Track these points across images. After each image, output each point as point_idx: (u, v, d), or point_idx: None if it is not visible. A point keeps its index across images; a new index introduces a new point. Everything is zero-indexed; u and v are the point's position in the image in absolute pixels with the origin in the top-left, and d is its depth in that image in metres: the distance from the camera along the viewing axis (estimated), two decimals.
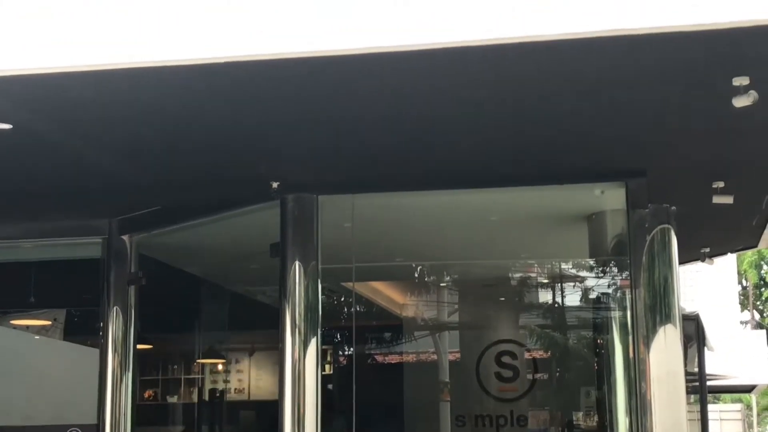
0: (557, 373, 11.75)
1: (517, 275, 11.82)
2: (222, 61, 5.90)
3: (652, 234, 8.61)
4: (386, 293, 13.46)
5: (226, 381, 15.77)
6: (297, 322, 8.81)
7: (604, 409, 9.73)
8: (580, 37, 5.55)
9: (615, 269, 9.73)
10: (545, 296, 12.34)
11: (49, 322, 10.83)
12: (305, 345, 8.73)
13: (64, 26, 5.93)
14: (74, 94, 6.50)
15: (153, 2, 5.87)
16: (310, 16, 5.75)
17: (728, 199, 8.94)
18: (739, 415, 33.20)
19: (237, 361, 15.92)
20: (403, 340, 14.11)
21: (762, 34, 5.48)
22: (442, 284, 12.60)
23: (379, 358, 14.55)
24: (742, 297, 40.48)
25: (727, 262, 33.46)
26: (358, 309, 11.91)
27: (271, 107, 6.88)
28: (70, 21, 5.93)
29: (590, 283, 10.97)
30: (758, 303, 41.64)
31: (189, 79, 6.25)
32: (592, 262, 10.40)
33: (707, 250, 12.33)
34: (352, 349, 13.14)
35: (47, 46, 5.93)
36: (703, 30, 5.46)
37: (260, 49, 5.82)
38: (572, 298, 11.84)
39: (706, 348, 14.75)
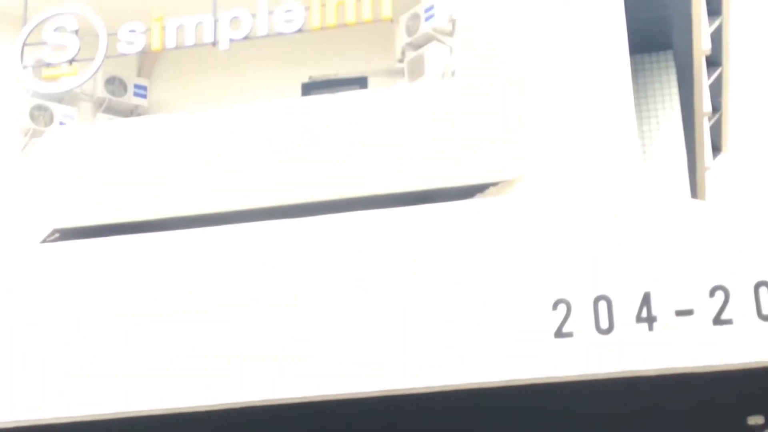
0: None
1: None
2: (244, 405, 5.92)
3: None
4: None
5: None
6: None
7: None
8: (590, 378, 5.58)
9: None
10: None
11: None
12: None
13: (79, 376, 6.01)
14: None
15: (168, 351, 5.97)
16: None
17: None
18: None
19: None
20: None
21: None
22: None
23: None
24: None
25: None
26: None
27: None
28: (85, 369, 6.01)
29: None
30: None
31: (204, 425, 6.25)
32: None
33: None
34: None
35: (60, 395, 5.98)
36: (714, 370, 5.48)
37: (280, 394, 5.86)
38: None
39: None
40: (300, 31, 8.63)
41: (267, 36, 8.66)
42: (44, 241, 7.79)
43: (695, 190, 11.45)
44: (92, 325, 6.07)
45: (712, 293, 5.50)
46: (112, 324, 6.05)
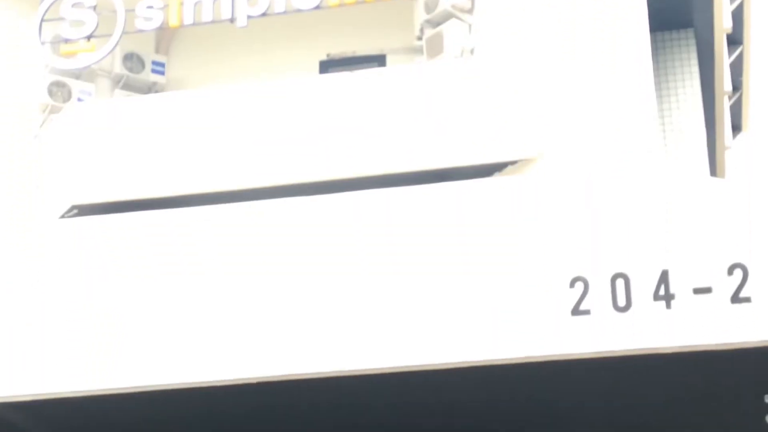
0: None
1: None
2: (252, 381, 5.94)
3: None
4: None
5: None
6: None
7: None
8: (608, 355, 5.57)
9: None
10: None
11: None
12: None
13: (95, 351, 6.03)
14: (103, 416, 6.53)
15: (180, 328, 5.98)
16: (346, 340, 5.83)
17: None
18: None
19: None
20: None
21: None
22: None
23: None
24: None
25: None
26: None
27: (301, 426, 6.86)
28: (101, 344, 6.04)
29: None
30: None
31: (215, 400, 6.27)
32: None
33: None
34: None
35: (78, 369, 6.01)
36: (732, 348, 5.47)
37: (290, 370, 5.87)
38: None
39: None
40: (318, 7, 8.58)
41: (285, 12, 8.61)
42: (63, 216, 7.81)
43: (714, 169, 11.39)
44: (107, 299, 6.11)
45: (730, 271, 5.48)
46: (125, 298, 6.08)
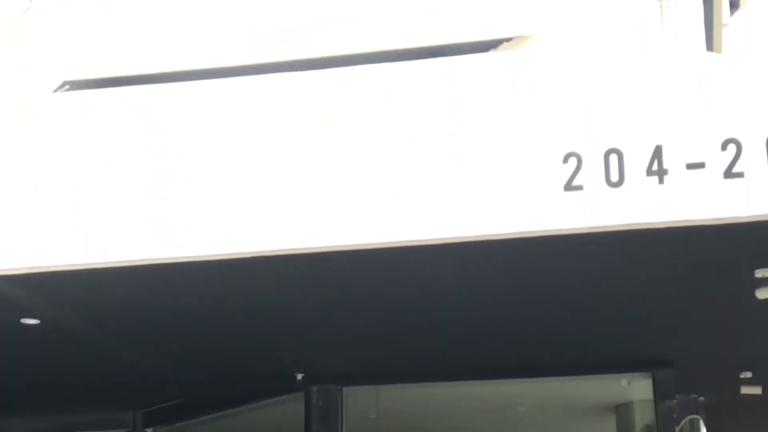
0: None
1: None
2: (248, 256, 5.96)
3: (681, 425, 8.49)
4: None
5: None
6: None
7: None
8: (600, 231, 5.59)
9: None
10: None
11: None
12: None
13: (93, 224, 6.04)
14: (101, 290, 6.57)
15: (180, 202, 5.99)
16: (330, 214, 5.84)
17: (756, 390, 8.86)
18: None
19: None
20: None
21: None
22: None
23: None
24: None
25: None
26: None
27: (294, 300, 6.92)
28: (99, 217, 6.05)
29: None
30: None
31: (212, 274, 6.31)
32: None
33: None
34: None
35: (77, 243, 6.03)
36: (724, 223, 5.49)
37: (283, 245, 5.89)
38: None
39: None
40: None
41: None
42: (55, 91, 7.76)
43: (711, 46, 11.29)
44: (103, 173, 6.11)
45: (724, 146, 5.48)
46: (120, 172, 6.09)
